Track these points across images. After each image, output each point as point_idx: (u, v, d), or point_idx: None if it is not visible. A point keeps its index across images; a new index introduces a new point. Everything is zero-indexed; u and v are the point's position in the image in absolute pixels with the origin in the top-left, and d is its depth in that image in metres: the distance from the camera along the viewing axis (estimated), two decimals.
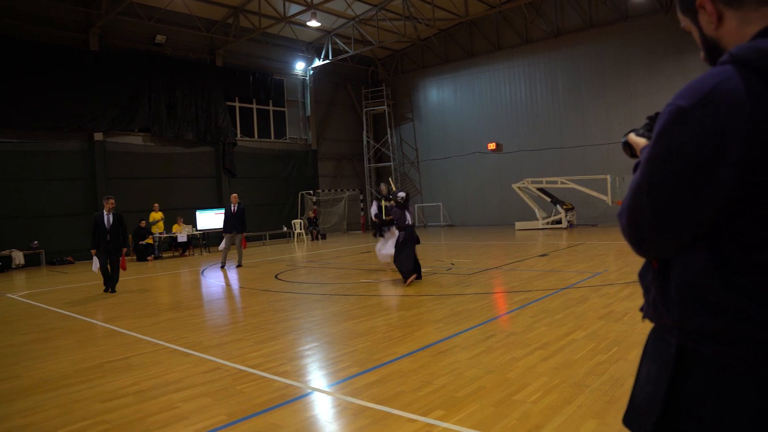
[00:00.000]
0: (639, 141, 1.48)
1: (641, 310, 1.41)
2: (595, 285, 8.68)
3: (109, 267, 10.97)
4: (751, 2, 1.18)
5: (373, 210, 11.62)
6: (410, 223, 10.46)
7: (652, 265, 1.33)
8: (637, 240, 1.26)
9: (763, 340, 1.12)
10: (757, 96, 1.07)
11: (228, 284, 11.93)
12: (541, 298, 7.88)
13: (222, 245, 14.95)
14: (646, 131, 1.48)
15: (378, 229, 11.55)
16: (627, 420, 1.39)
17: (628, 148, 1.54)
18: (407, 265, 9.97)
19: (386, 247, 11.27)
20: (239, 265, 14.91)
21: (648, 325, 1.38)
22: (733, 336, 1.15)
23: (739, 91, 1.08)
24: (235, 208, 15.10)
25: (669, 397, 1.24)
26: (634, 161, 1.40)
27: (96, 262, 10.89)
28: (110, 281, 11.07)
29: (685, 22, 1.34)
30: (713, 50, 1.28)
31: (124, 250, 11.12)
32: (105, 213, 10.86)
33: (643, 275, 1.38)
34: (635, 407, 1.37)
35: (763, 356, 1.12)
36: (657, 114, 1.31)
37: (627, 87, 23.46)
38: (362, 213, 30.17)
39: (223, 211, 21.25)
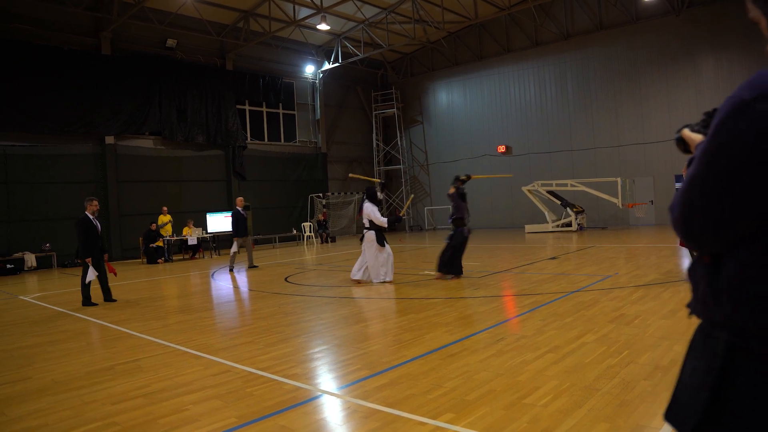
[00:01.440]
0: (695, 137, 1.45)
1: (688, 306, 1.38)
2: (606, 288, 8.63)
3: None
4: None
5: (375, 211, 10.61)
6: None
7: (702, 260, 1.30)
8: (688, 233, 1.24)
9: None
10: None
11: (238, 287, 11.96)
12: (551, 301, 7.84)
13: (235, 248, 14.96)
14: (702, 127, 1.46)
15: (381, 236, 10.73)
16: (669, 415, 1.36)
17: (682, 143, 1.52)
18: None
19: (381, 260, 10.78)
20: (255, 266, 15.08)
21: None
22: None
23: None
24: (244, 211, 15.23)
25: (715, 394, 1.22)
26: (685, 158, 1.38)
27: (92, 272, 9.80)
28: (107, 291, 10.25)
29: (753, 12, 1.29)
30: None
31: (106, 255, 10.22)
32: (91, 216, 9.86)
33: (692, 270, 1.35)
34: (678, 403, 1.34)
35: None
36: (714, 110, 1.30)
37: (637, 89, 23.35)
38: None
39: (230, 214, 21.46)
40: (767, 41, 1.28)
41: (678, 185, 8.60)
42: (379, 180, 11.35)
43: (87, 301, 9.97)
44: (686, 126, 1.51)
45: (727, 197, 1.13)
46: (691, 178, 1.21)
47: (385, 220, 10.58)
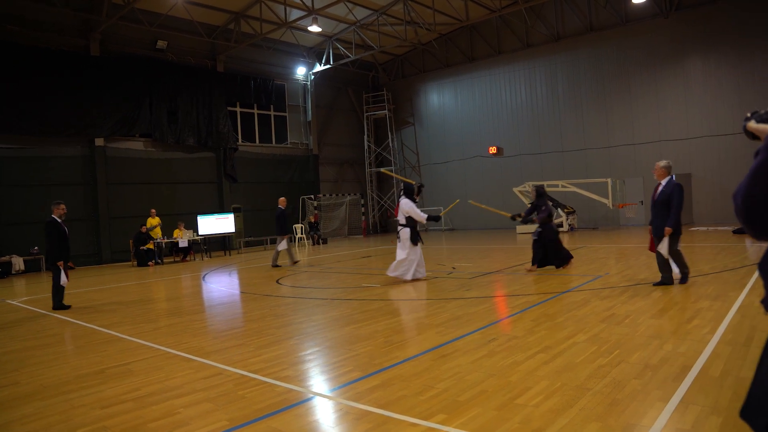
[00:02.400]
0: (761, 128, 1.44)
1: (762, 302, 1.35)
2: (596, 288, 8.66)
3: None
4: None
5: (414, 207, 10.71)
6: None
7: None
8: (752, 222, 1.22)
9: None
10: None
11: (229, 289, 11.92)
12: (543, 301, 7.86)
13: (284, 245, 15.72)
14: None
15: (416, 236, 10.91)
16: (745, 413, 1.33)
17: (750, 133, 1.52)
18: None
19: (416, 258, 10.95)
20: (278, 266, 15.55)
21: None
22: None
23: None
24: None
25: None
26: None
27: (64, 276, 9.74)
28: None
29: None
30: None
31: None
32: (59, 220, 9.75)
33: (764, 264, 1.32)
34: (755, 400, 1.31)
35: None
36: None
37: (627, 90, 23.48)
38: (363, 217, 30.17)
39: (227, 215, 21.57)
40: None
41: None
42: (415, 183, 11.42)
43: (59, 304, 9.90)
44: (754, 114, 1.50)
45: None
46: (758, 166, 1.19)
47: (425, 216, 10.73)
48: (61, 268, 9.71)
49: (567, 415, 3.68)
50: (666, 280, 8.39)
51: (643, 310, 6.82)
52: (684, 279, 8.47)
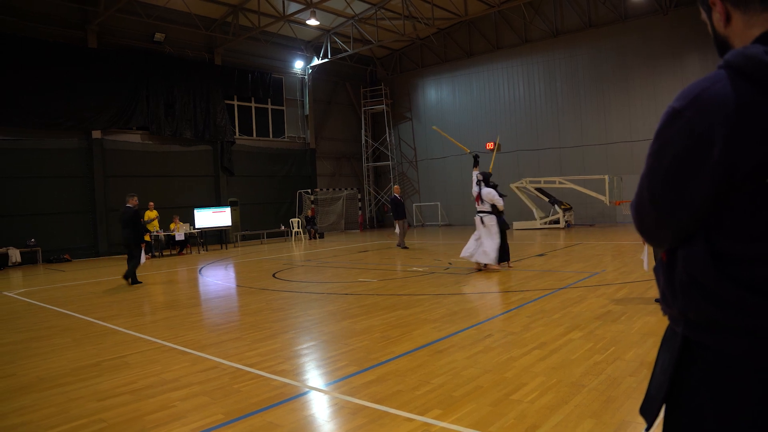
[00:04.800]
0: None
1: (658, 300, 1.45)
2: (593, 285, 8.69)
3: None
4: (756, 6, 1.21)
5: (496, 195, 10.87)
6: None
7: (660, 258, 1.38)
8: (641, 228, 1.35)
9: (758, 329, 1.15)
10: (742, 100, 1.11)
11: (225, 283, 11.92)
12: (539, 297, 7.88)
13: (398, 229, 17.21)
14: None
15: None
16: (642, 409, 1.43)
17: None
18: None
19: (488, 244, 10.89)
20: (406, 247, 17.06)
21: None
22: (730, 325, 1.18)
23: (726, 96, 1.13)
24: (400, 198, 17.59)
25: (673, 385, 1.28)
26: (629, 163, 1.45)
27: (144, 255, 12.20)
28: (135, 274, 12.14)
29: (703, 15, 1.39)
30: (722, 47, 1.32)
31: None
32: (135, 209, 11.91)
33: (656, 269, 1.43)
34: (649, 396, 1.40)
35: (758, 345, 1.15)
36: None
37: (625, 87, 23.48)
38: (360, 212, 30.17)
39: (224, 209, 21.57)
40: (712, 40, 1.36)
41: None
42: (471, 152, 11.50)
43: (136, 279, 11.98)
44: None
45: (666, 195, 1.23)
46: (641, 178, 1.31)
47: (503, 202, 10.85)
48: (143, 248, 12.08)
49: (562, 412, 3.69)
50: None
51: (638, 307, 6.84)
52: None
